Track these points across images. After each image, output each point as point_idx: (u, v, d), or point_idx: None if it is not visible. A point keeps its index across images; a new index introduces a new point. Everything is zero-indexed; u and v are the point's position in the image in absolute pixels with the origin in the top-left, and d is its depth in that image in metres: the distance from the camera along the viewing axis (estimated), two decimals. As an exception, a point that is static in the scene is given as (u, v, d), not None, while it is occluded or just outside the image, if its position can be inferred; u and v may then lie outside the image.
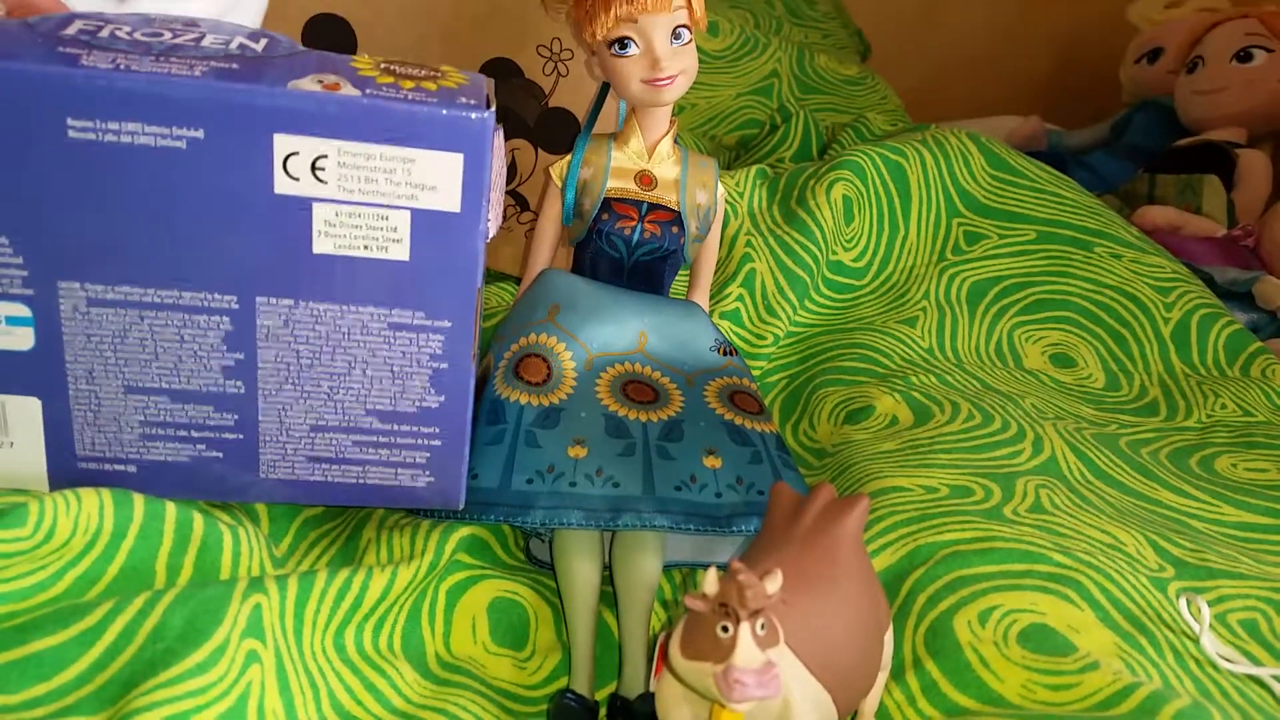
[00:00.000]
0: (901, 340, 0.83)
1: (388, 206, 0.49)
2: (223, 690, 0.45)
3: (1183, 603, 0.55)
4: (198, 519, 0.51)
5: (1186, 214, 1.26)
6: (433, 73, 0.50)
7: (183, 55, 0.47)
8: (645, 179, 0.68)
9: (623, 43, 0.63)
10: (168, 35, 0.49)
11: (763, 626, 0.40)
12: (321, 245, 0.49)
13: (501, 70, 0.81)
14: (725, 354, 0.67)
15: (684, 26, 0.63)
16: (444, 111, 0.47)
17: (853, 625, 0.47)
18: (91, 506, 0.48)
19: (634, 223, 0.67)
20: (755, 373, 0.81)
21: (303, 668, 0.49)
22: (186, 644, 0.45)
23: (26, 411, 0.50)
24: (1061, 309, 0.88)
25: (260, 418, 0.52)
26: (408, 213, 0.49)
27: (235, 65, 0.47)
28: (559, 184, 0.68)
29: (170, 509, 0.50)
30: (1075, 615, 0.54)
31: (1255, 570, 0.60)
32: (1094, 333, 0.87)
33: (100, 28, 0.48)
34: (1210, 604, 0.57)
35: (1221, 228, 1.25)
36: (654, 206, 0.67)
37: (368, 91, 0.47)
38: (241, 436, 0.53)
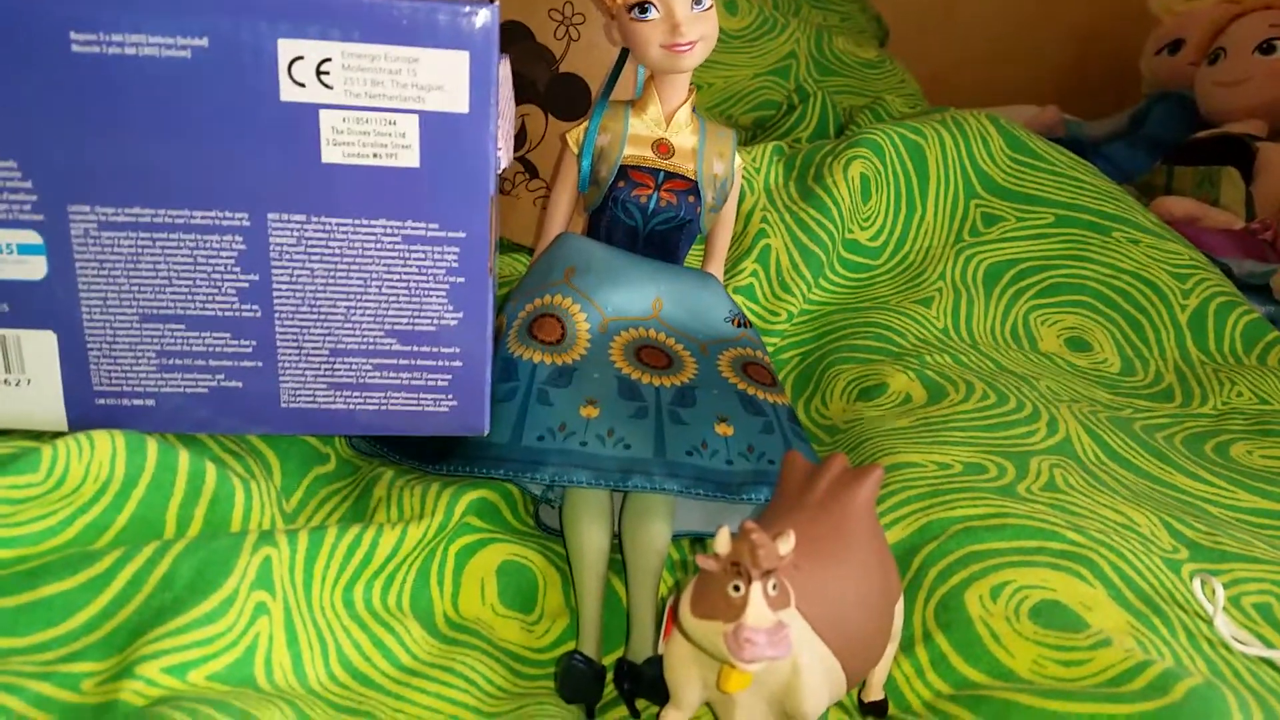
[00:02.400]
0: (916, 320, 0.82)
1: (395, 110, 0.48)
2: (230, 641, 0.45)
3: (1197, 583, 0.55)
4: (210, 470, 0.50)
5: (1205, 205, 1.25)
6: None
7: None
8: (663, 147, 0.67)
9: (643, 7, 0.62)
10: None
11: (774, 587, 0.40)
12: (330, 154, 0.49)
13: (512, 34, 0.80)
14: (739, 325, 0.67)
15: None
16: (448, 8, 0.47)
17: (863, 594, 0.46)
18: (104, 453, 0.48)
19: (650, 190, 0.66)
20: (769, 349, 0.80)
21: (311, 622, 0.49)
22: (195, 594, 0.45)
23: (42, 346, 0.50)
24: (1078, 293, 0.87)
25: (278, 343, 0.52)
26: (416, 116, 0.48)
27: None
28: (575, 150, 0.68)
29: (183, 458, 0.50)
30: (1088, 593, 0.53)
31: (1270, 555, 0.60)
32: (1110, 318, 0.86)
33: None
34: (1224, 586, 0.56)
35: (1240, 220, 1.25)
36: (671, 175, 0.67)
37: None
38: (260, 364, 0.52)
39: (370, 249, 0.51)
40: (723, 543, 0.40)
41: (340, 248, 0.50)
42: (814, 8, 1.48)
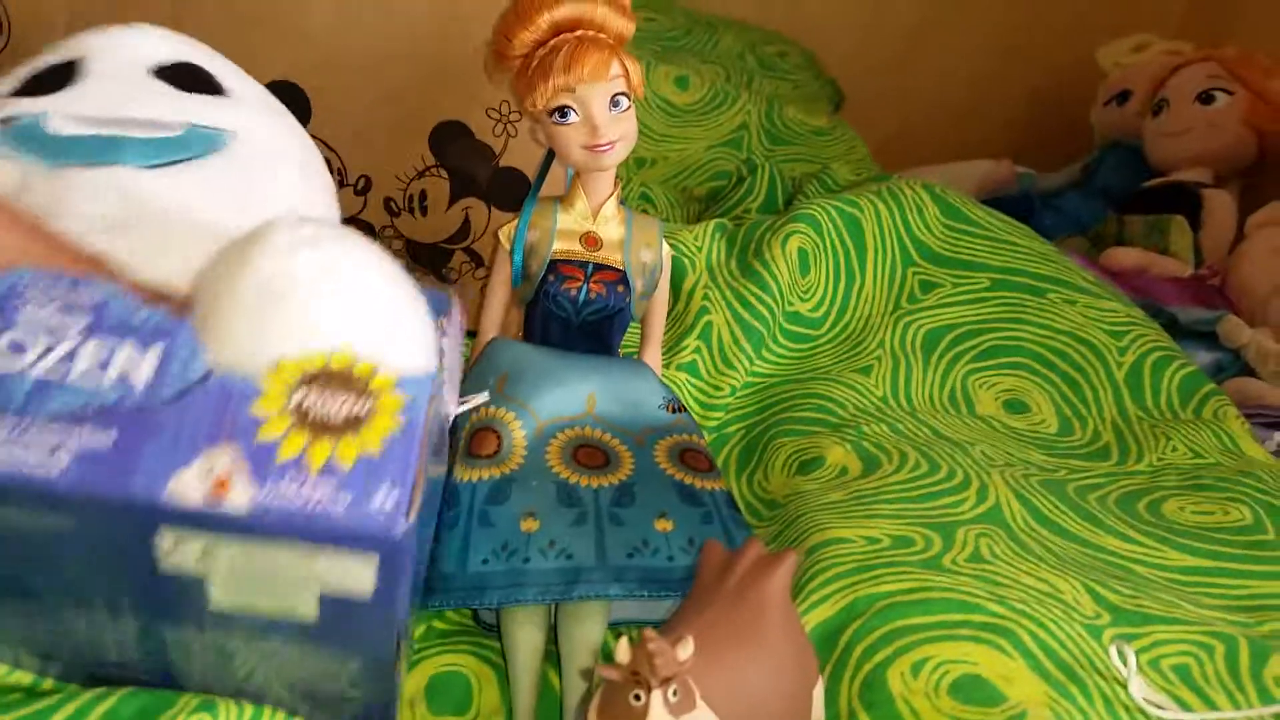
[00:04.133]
0: (856, 389, 0.84)
1: (291, 593, 0.42)
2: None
3: (1112, 650, 0.56)
4: None
5: (1153, 255, 1.27)
6: (358, 411, 0.42)
7: (45, 414, 0.40)
8: (590, 240, 0.69)
9: (563, 111, 0.65)
10: (31, 358, 0.41)
11: (675, 693, 0.41)
12: (219, 605, 0.43)
13: (452, 132, 0.83)
14: (674, 411, 0.68)
15: (621, 94, 0.65)
16: (355, 511, 0.40)
17: (778, 684, 0.47)
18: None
19: (580, 283, 0.68)
20: (711, 424, 0.82)
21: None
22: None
23: None
24: (1015, 355, 0.89)
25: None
26: (315, 597, 0.42)
27: (109, 433, 0.40)
28: (507, 246, 0.70)
29: None
30: (1007, 665, 0.54)
31: (1193, 615, 0.61)
32: (1047, 378, 0.88)
33: None
34: (1144, 649, 0.57)
35: (1189, 267, 1.27)
36: (600, 267, 0.69)
37: (265, 489, 0.40)
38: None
39: (268, 654, 0.46)
40: (623, 652, 0.41)
41: (236, 648, 0.45)
42: (766, 77, 1.51)
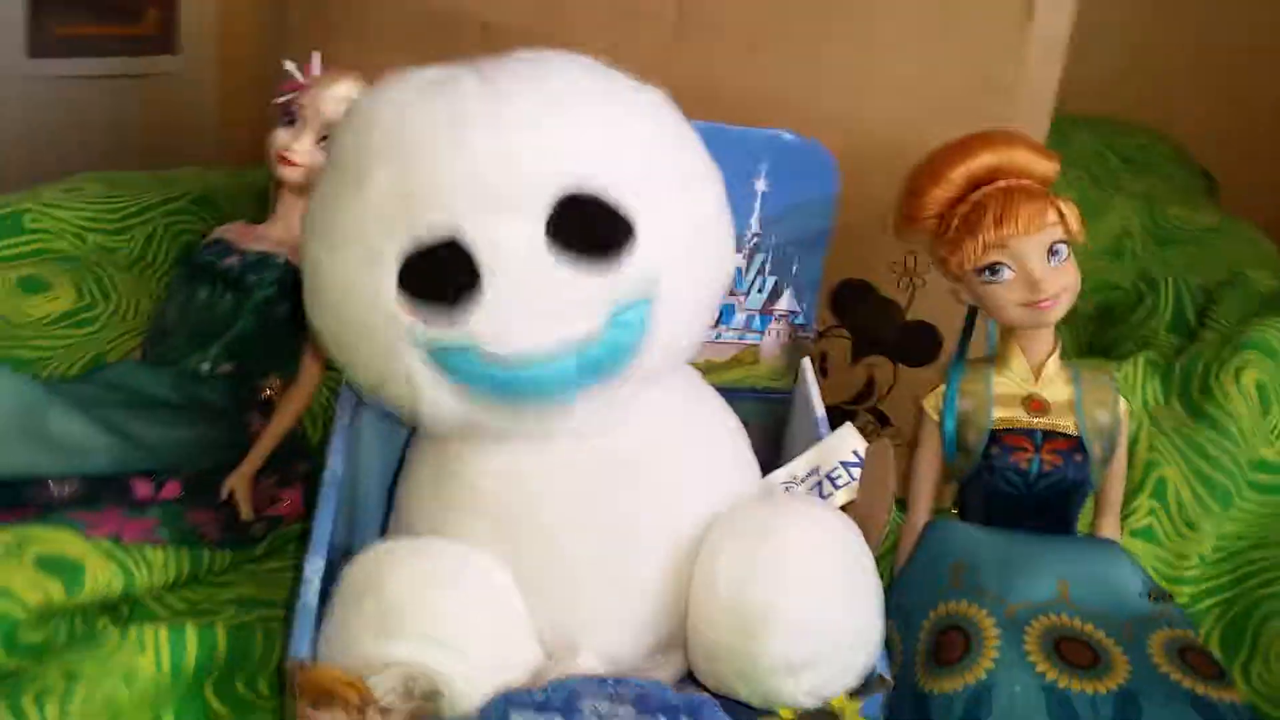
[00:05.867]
0: (1361, 552, 0.70)
1: None
2: None
3: None
4: None
5: None
6: None
7: None
8: (1036, 404, 0.62)
9: (994, 269, 0.59)
10: None
11: None
12: None
13: (856, 290, 0.78)
14: (1156, 599, 0.59)
15: (1061, 243, 0.59)
16: None
17: None
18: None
19: (1030, 454, 0.61)
20: (1181, 600, 0.71)
21: None
22: None
23: None
24: None
25: None
26: None
27: None
28: (935, 417, 0.63)
29: None
30: None
31: None
32: None
33: None
34: None
35: None
36: (1050, 434, 0.61)
37: None
38: None
39: None
40: None
41: None
42: (1135, 176, 1.39)
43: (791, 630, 0.47)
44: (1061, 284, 0.59)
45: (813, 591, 0.48)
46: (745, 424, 0.59)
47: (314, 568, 0.50)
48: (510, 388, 0.48)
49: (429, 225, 0.46)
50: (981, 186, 0.60)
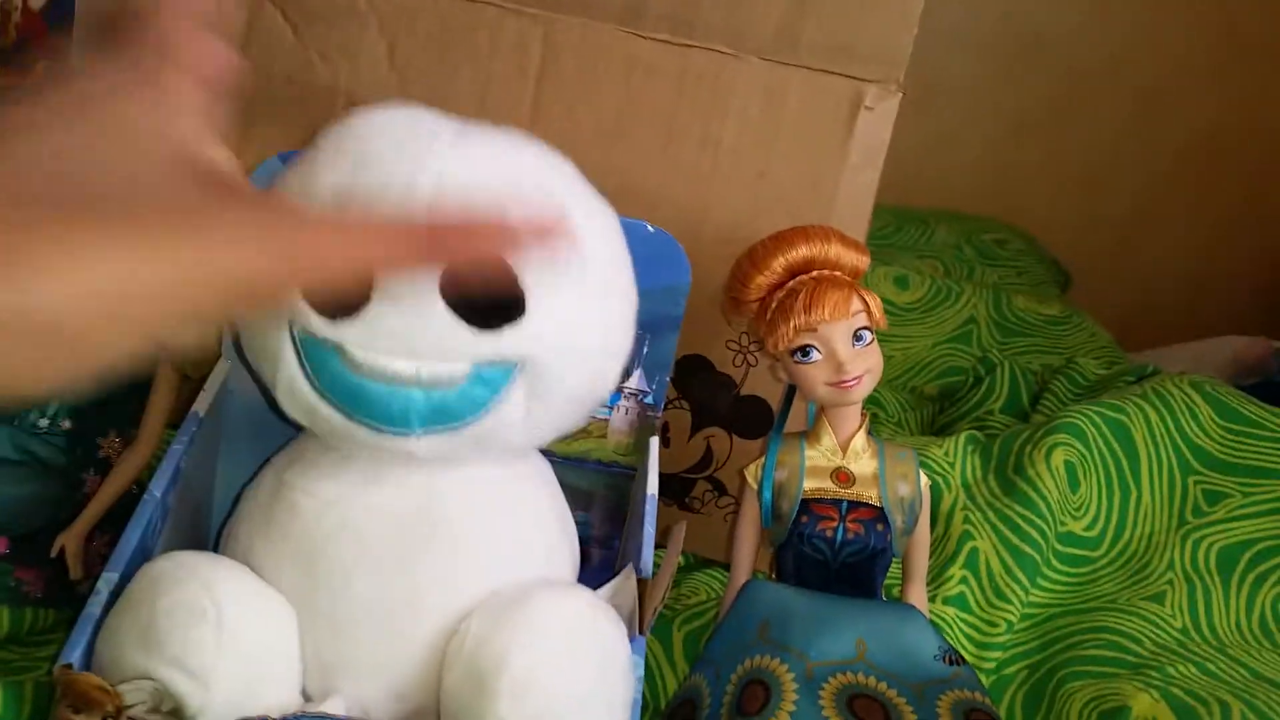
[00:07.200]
0: (1150, 620, 0.75)
1: None
2: None
3: None
4: None
5: None
6: None
7: None
8: (842, 476, 0.66)
9: (805, 350, 0.63)
10: None
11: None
12: None
13: (695, 365, 0.82)
14: (951, 663, 0.62)
15: (864, 329, 0.63)
16: None
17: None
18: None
19: (835, 523, 0.65)
20: (989, 665, 0.75)
21: None
22: None
23: None
24: (1331, 573, 0.78)
25: None
26: None
27: None
28: (754, 486, 0.67)
29: None
30: None
31: None
32: (1376, 600, 0.77)
33: None
34: None
35: None
36: (855, 504, 0.65)
37: None
38: None
39: None
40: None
41: None
42: (988, 266, 1.47)
43: (517, 686, 0.49)
44: (865, 366, 0.63)
45: (547, 651, 0.50)
46: (590, 495, 0.62)
47: (106, 580, 0.52)
48: (357, 396, 0.51)
49: None
50: (799, 275, 0.64)
